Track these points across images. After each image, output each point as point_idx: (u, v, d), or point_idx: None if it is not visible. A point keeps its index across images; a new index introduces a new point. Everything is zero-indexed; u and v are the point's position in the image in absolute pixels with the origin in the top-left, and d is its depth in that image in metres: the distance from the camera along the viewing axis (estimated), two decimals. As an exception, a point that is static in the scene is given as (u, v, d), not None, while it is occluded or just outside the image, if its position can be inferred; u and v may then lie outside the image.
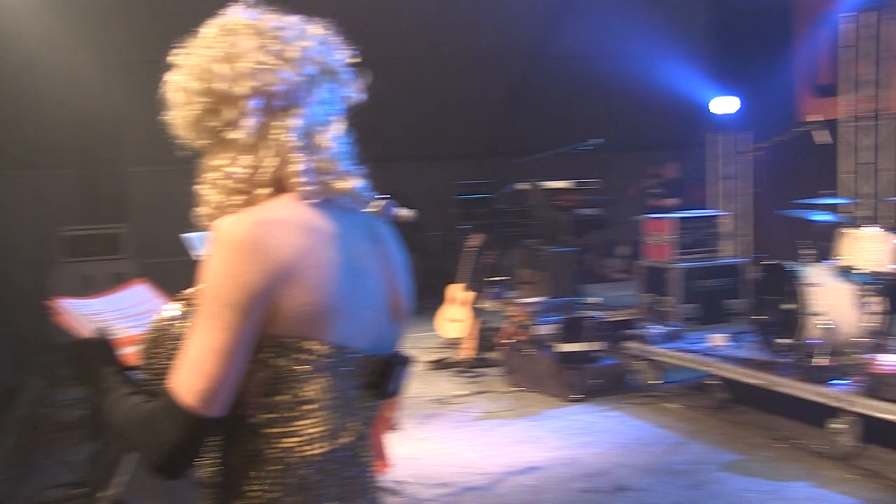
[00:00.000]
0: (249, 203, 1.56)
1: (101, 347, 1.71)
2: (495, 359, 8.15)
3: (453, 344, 8.68)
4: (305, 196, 1.56)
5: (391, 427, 3.11)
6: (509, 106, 13.11)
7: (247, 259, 1.45)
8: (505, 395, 7.23)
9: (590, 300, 8.70)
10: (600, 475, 5.33)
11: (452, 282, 8.68)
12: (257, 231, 1.47)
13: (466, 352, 8.25)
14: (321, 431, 1.55)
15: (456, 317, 8.48)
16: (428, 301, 10.26)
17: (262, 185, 1.57)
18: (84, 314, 1.83)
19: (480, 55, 12.14)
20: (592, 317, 7.20)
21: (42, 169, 10.47)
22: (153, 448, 1.46)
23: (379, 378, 1.63)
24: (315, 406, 1.54)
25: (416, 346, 9.06)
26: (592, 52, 11.92)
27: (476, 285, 8.57)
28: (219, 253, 1.47)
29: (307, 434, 1.54)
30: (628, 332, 7.64)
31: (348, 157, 1.65)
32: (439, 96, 12.20)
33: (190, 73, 1.58)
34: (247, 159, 1.56)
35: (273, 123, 1.56)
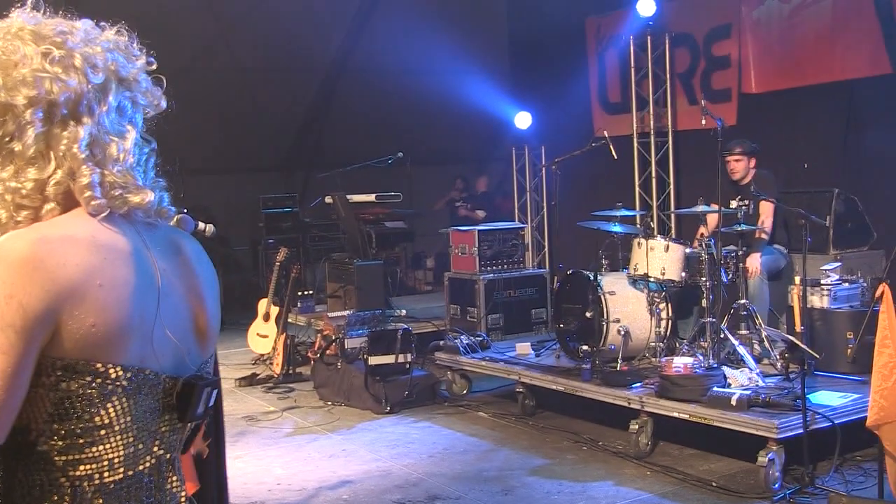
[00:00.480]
0: (35, 219, 1.45)
1: None
2: (305, 373, 8.08)
3: (263, 359, 8.53)
4: (96, 211, 1.47)
5: (201, 449, 3.03)
6: (313, 119, 13.07)
7: (27, 279, 1.35)
8: (316, 410, 7.16)
9: (398, 312, 8.79)
10: (413, 486, 5.39)
11: (262, 296, 8.53)
12: (39, 249, 1.38)
13: (276, 367, 8.12)
14: (118, 457, 1.47)
15: (265, 332, 8.34)
16: (237, 316, 10.04)
17: (48, 200, 1.47)
18: None
19: (283, 67, 12.05)
20: (401, 329, 7.27)
21: None
22: None
23: (182, 400, 1.55)
24: (110, 431, 1.46)
25: (226, 362, 8.83)
26: (396, 67, 12.08)
27: (283, 299, 8.46)
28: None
29: (103, 460, 1.46)
30: (437, 343, 7.77)
31: (146, 169, 1.56)
32: (241, 108, 12.00)
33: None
34: (30, 172, 1.45)
35: (57, 134, 1.46)
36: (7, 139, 1.46)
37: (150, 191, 1.53)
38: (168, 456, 1.57)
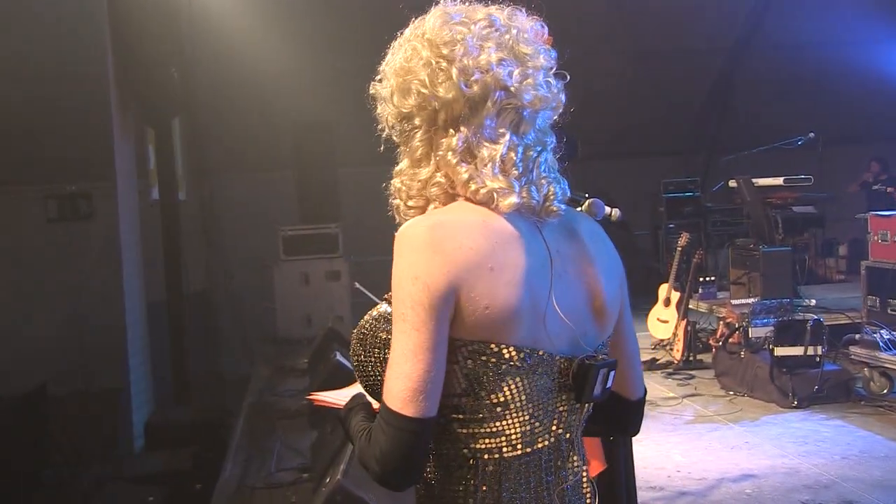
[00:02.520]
0: (423, 212, 1.59)
1: (355, 406, 1.73)
2: (706, 361, 7.92)
3: (663, 345, 8.50)
4: (482, 200, 1.54)
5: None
6: (716, 100, 12.68)
7: (430, 261, 1.47)
8: (717, 399, 6.99)
9: (807, 302, 8.27)
10: (824, 488, 5.05)
11: (663, 282, 8.50)
12: (437, 233, 1.49)
13: (676, 353, 8.05)
14: (516, 434, 1.54)
15: (665, 317, 8.30)
16: (637, 301, 10.11)
17: (430, 200, 1.59)
18: (337, 397, 1.88)
19: (685, 48, 11.82)
20: (811, 319, 6.82)
21: (261, 171, 11.12)
22: (369, 460, 1.50)
23: (578, 381, 1.57)
24: (507, 409, 1.53)
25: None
26: (808, 39, 11.32)
27: (685, 285, 8.35)
28: (401, 256, 1.50)
29: (502, 436, 1.53)
30: (852, 336, 7.18)
31: (534, 166, 1.59)
32: (642, 91, 11.98)
33: (397, 75, 1.60)
34: (419, 173, 1.59)
35: (437, 140, 1.58)
36: (404, 138, 1.62)
37: (517, 194, 1.54)
38: (568, 435, 1.61)
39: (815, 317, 7.01)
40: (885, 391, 6.73)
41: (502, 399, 1.52)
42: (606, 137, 11.98)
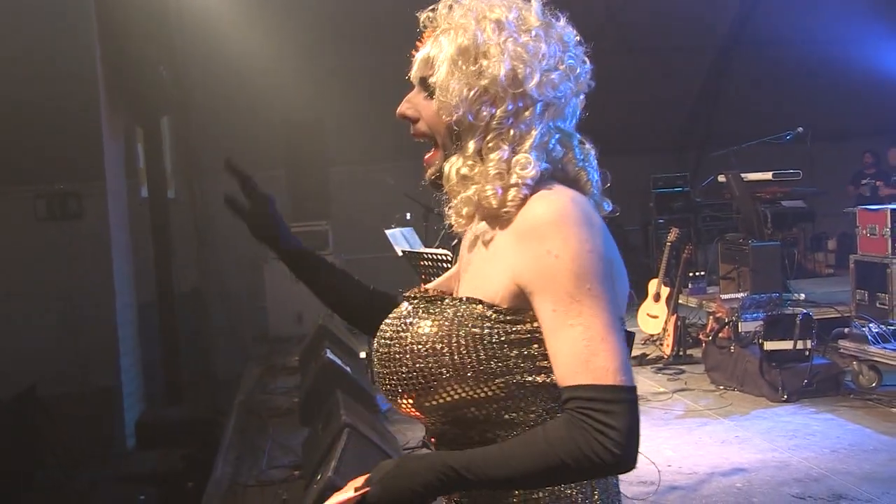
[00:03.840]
0: (525, 198, 1.50)
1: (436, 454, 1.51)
2: (696, 356, 7.95)
3: (653, 340, 8.53)
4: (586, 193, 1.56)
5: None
6: (705, 96, 12.73)
7: (592, 233, 1.43)
8: (707, 394, 7.02)
9: (796, 296, 8.30)
10: (815, 481, 5.07)
11: (652, 277, 8.53)
12: (583, 208, 1.46)
13: (666, 348, 8.08)
14: None
15: (655, 312, 8.33)
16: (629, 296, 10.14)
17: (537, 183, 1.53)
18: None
19: (674, 45, 11.86)
20: (800, 314, 6.85)
21: (251, 169, 11.08)
22: (599, 451, 1.36)
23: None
24: None
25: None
26: (798, 37, 11.36)
27: (674, 280, 8.38)
28: (560, 234, 1.42)
29: None
30: (841, 330, 7.22)
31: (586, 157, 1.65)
32: (631, 88, 11.99)
33: (497, 51, 1.52)
34: (529, 156, 1.52)
35: (548, 132, 1.56)
36: (502, 121, 1.53)
37: (608, 200, 1.61)
38: None
39: (805, 311, 7.04)
40: (874, 385, 6.77)
41: None
42: (596, 133, 11.99)
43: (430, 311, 1.53)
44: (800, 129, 9.32)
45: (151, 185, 7.73)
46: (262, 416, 5.92)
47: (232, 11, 9.34)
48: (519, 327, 1.46)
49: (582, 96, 1.65)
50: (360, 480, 1.46)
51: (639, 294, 8.54)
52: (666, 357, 8.02)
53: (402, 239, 7.20)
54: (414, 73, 1.63)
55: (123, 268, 6.95)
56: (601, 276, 1.40)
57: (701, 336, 8.13)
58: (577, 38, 1.65)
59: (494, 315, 1.47)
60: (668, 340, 8.07)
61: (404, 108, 1.64)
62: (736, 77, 12.25)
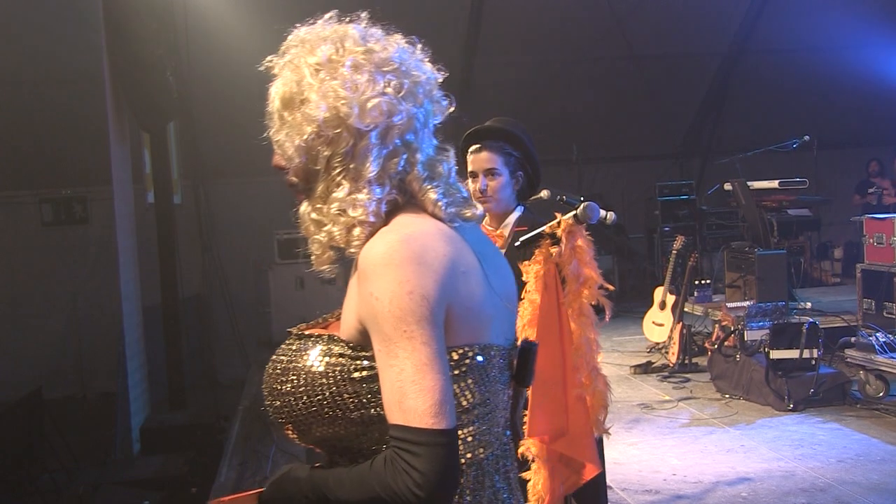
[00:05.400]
0: (372, 233, 1.52)
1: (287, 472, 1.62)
2: (701, 364, 7.93)
3: (658, 348, 8.52)
4: (449, 218, 1.56)
5: (602, 431, 3.07)
6: (711, 103, 12.72)
7: (417, 273, 1.44)
8: (713, 402, 7.00)
9: (802, 304, 8.28)
10: (820, 491, 5.05)
11: (658, 285, 8.51)
12: (412, 245, 1.47)
13: (671, 356, 8.06)
14: (491, 432, 1.58)
15: (661, 321, 8.31)
16: (633, 304, 10.14)
17: (381, 215, 1.54)
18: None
19: (680, 52, 11.86)
20: (807, 322, 6.83)
21: (256, 175, 11.10)
22: (402, 490, 1.40)
23: (521, 364, 1.66)
24: (487, 408, 1.56)
25: (621, 349, 8.97)
26: (803, 45, 11.37)
27: (680, 288, 8.36)
28: (384, 275, 1.44)
29: (485, 437, 1.56)
30: (847, 339, 7.20)
31: (454, 177, 1.64)
32: (637, 95, 12.02)
33: (316, 95, 1.54)
34: (368, 191, 1.53)
35: (393, 155, 1.55)
36: (342, 158, 1.54)
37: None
38: (510, 422, 1.68)
39: (811, 320, 7.02)
40: (881, 394, 6.74)
41: (484, 398, 1.55)
42: (602, 141, 12.01)
43: (304, 348, 1.58)
44: (806, 137, 9.32)
45: (158, 190, 7.73)
46: (267, 423, 5.91)
47: (237, 17, 9.35)
48: (367, 363, 1.51)
49: (444, 102, 1.63)
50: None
51: (644, 302, 8.52)
52: (671, 365, 8.00)
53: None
54: (269, 127, 1.64)
55: (129, 273, 6.96)
56: (419, 317, 1.43)
57: (706, 344, 8.10)
58: (413, 47, 1.63)
59: (350, 352, 1.52)
60: (674, 348, 8.05)
61: (276, 159, 1.65)
62: (741, 85, 12.24)
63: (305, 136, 1.54)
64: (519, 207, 3.38)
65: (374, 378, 1.49)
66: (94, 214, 6.55)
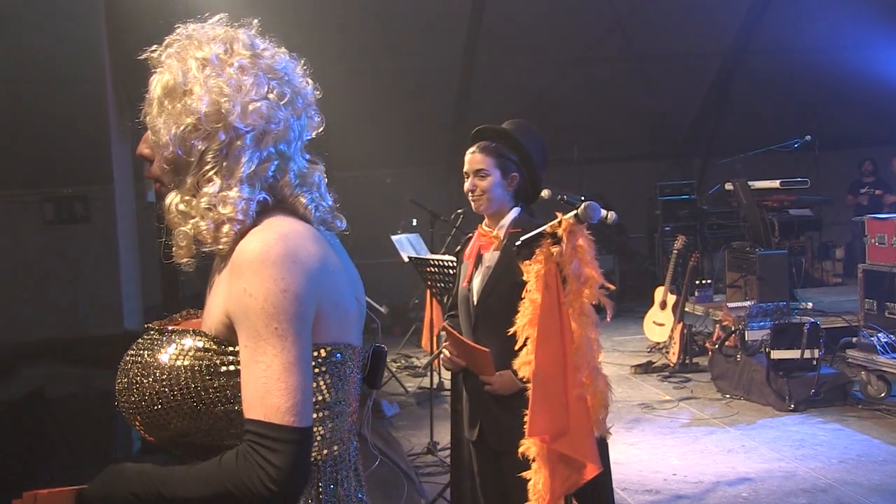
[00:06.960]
0: (243, 231, 1.54)
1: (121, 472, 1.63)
2: (702, 364, 7.92)
3: (659, 348, 8.52)
4: (317, 222, 1.62)
5: (603, 430, 3.07)
6: (711, 104, 12.71)
7: (291, 271, 1.47)
8: (713, 402, 7.00)
9: (803, 305, 8.28)
10: (822, 492, 5.05)
11: (659, 285, 8.51)
12: (288, 244, 1.50)
13: (672, 356, 8.06)
14: (345, 430, 1.61)
15: (661, 320, 8.31)
16: (633, 304, 10.13)
17: (251, 214, 1.57)
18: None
19: (680, 52, 11.85)
20: (808, 322, 6.83)
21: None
22: (254, 484, 1.42)
23: (373, 368, 1.74)
24: (341, 405, 1.59)
25: (622, 349, 8.96)
26: (804, 45, 11.36)
27: (681, 288, 8.36)
28: (260, 273, 1.46)
29: (340, 434, 1.60)
30: (849, 339, 7.19)
31: (324, 188, 1.69)
32: (638, 95, 12.01)
33: (200, 89, 1.56)
34: (239, 190, 1.55)
35: (266, 160, 1.58)
36: (216, 154, 1.57)
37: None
38: (358, 425, 1.72)
39: (812, 320, 7.02)
40: (883, 395, 6.74)
41: (340, 396, 1.58)
42: (602, 141, 12.01)
43: (161, 343, 1.60)
44: (807, 137, 9.32)
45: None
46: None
47: (237, 17, 9.34)
48: (232, 358, 1.52)
49: (316, 118, 1.69)
50: None
51: (645, 302, 8.53)
52: (672, 365, 8.00)
53: (408, 245, 7.20)
54: (143, 113, 1.65)
55: (130, 272, 6.95)
56: (291, 316, 1.46)
57: (707, 344, 8.11)
58: (296, 62, 1.68)
59: (214, 347, 1.54)
60: (675, 348, 8.05)
61: (142, 147, 1.66)
62: (742, 85, 12.23)
63: (183, 127, 1.56)
64: (516, 209, 3.37)
65: (238, 373, 1.51)
66: (95, 213, 6.55)
